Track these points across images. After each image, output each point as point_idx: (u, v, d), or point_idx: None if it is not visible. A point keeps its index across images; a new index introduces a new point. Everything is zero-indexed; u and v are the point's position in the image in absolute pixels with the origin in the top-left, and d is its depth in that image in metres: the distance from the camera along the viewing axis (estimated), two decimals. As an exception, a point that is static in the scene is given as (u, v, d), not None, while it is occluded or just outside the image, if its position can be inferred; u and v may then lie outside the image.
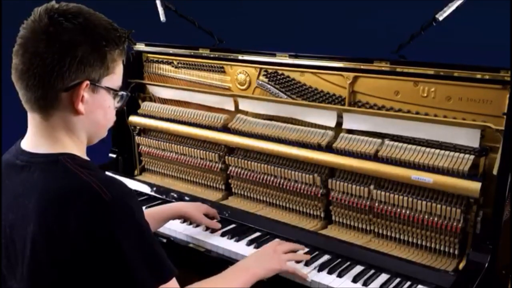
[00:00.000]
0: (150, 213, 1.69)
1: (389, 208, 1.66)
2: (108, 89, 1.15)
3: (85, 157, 1.16)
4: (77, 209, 1.02)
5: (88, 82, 1.09)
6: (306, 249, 1.64)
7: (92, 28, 1.09)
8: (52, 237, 1.03)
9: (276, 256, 1.50)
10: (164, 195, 2.12)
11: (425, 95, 1.63)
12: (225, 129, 2.04)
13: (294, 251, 1.60)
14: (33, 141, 1.14)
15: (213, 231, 1.82)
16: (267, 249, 1.54)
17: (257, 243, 1.70)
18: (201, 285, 1.30)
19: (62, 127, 1.12)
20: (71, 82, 1.07)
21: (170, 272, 1.11)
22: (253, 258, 1.50)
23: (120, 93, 1.19)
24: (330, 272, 1.54)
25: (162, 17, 2.21)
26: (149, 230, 1.10)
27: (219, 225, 1.80)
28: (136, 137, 2.36)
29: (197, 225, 1.87)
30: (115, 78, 1.16)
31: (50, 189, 1.05)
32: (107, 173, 1.59)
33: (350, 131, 1.77)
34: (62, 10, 1.08)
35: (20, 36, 1.08)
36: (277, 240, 1.65)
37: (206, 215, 1.81)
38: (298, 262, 1.57)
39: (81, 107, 1.10)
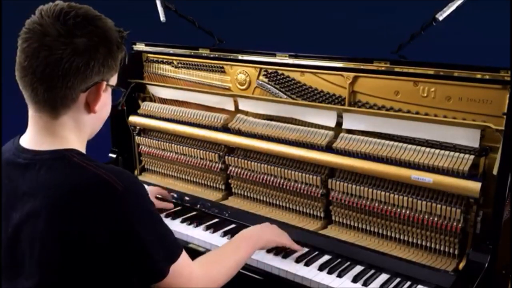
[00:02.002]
0: None
1: (389, 208, 1.66)
2: (113, 87, 1.21)
3: (84, 152, 1.20)
4: (92, 201, 1.05)
5: (105, 82, 1.15)
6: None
7: (108, 31, 1.14)
8: (65, 231, 1.05)
9: (276, 231, 1.66)
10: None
11: (425, 95, 1.63)
12: (225, 129, 2.04)
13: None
14: (36, 139, 1.15)
15: (213, 231, 1.82)
16: (269, 224, 1.68)
17: (257, 243, 1.71)
18: (209, 255, 1.42)
19: (71, 125, 1.16)
20: (90, 82, 1.12)
21: (179, 249, 1.19)
22: (254, 229, 1.62)
23: (122, 90, 1.26)
24: (330, 272, 1.54)
25: (162, 17, 2.21)
26: (157, 213, 1.17)
27: (172, 205, 1.98)
28: (136, 137, 2.36)
29: (197, 225, 1.87)
30: (116, 76, 1.22)
31: (60, 185, 1.07)
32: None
33: (350, 131, 1.77)
34: (81, 13, 1.10)
35: (36, 38, 1.07)
36: None
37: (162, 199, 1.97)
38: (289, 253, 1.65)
39: (97, 106, 1.16)
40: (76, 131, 1.17)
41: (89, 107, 1.15)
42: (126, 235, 1.07)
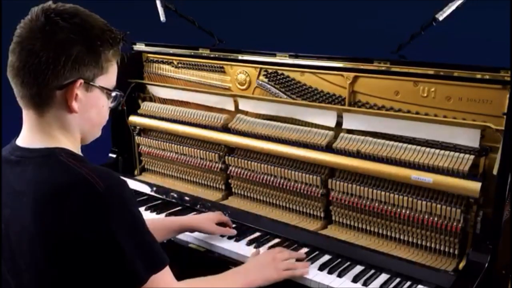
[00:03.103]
0: (159, 222, 1.71)
1: (389, 208, 1.66)
2: (102, 88, 1.16)
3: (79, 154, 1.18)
4: (71, 200, 1.03)
5: (82, 80, 1.11)
6: (305, 254, 1.62)
7: (88, 29, 1.10)
8: (47, 230, 1.04)
9: (274, 265, 1.49)
10: (164, 195, 2.12)
11: (425, 95, 1.63)
12: (225, 129, 2.04)
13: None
14: (28, 137, 1.15)
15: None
16: (267, 256, 1.52)
17: (257, 243, 1.71)
18: (201, 282, 1.32)
19: (57, 124, 1.14)
20: (65, 80, 1.09)
21: (162, 262, 1.13)
22: (252, 265, 1.49)
23: (114, 93, 1.21)
24: (330, 272, 1.54)
25: (162, 17, 2.21)
26: (141, 219, 1.12)
27: (235, 232, 1.76)
28: (136, 137, 2.36)
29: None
30: (109, 77, 1.18)
31: (44, 183, 1.07)
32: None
33: (350, 131, 1.77)
34: (59, 10, 1.09)
35: (16, 34, 1.10)
36: (278, 248, 1.62)
37: (220, 224, 1.78)
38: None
39: (74, 105, 1.12)
40: (63, 131, 1.15)
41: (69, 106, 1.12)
42: (104, 237, 1.04)
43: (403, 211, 1.63)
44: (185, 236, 1.79)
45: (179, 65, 2.24)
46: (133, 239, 1.07)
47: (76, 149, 1.18)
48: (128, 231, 1.06)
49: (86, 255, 1.04)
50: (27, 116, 1.15)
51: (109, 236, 1.04)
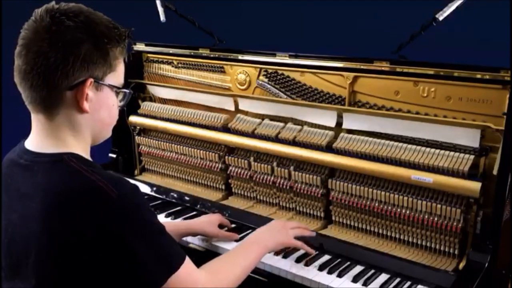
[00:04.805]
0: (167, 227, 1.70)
1: (389, 208, 1.66)
2: (112, 86, 1.16)
3: (88, 157, 1.17)
4: (84, 207, 1.02)
5: (92, 79, 1.10)
6: (312, 230, 1.68)
7: (94, 26, 1.09)
8: (58, 236, 1.03)
9: (285, 231, 1.56)
10: (164, 195, 2.12)
11: (425, 95, 1.63)
12: (225, 129, 2.04)
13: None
14: (37, 141, 1.14)
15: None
16: (277, 224, 1.59)
17: (257, 243, 1.71)
18: (216, 261, 1.34)
19: (67, 126, 1.13)
20: (75, 80, 1.08)
21: (179, 260, 1.13)
22: (263, 232, 1.54)
23: (124, 90, 1.20)
24: (330, 272, 1.54)
25: (162, 17, 2.21)
26: (156, 223, 1.12)
27: (237, 236, 1.75)
28: (136, 137, 2.37)
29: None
30: (117, 75, 1.17)
31: (55, 189, 1.05)
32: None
33: (350, 131, 1.77)
34: (63, 10, 1.08)
35: (22, 37, 1.08)
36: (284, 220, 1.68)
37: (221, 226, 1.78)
38: (289, 253, 1.61)
39: (85, 105, 1.11)
40: (74, 133, 1.14)
41: (80, 106, 1.11)
42: (117, 244, 1.03)
43: (403, 211, 1.63)
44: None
45: (179, 65, 2.24)
46: (147, 245, 1.07)
47: (86, 152, 1.17)
48: (142, 238, 1.06)
49: (99, 263, 1.03)
50: (37, 120, 1.14)
51: (121, 243, 1.03)
